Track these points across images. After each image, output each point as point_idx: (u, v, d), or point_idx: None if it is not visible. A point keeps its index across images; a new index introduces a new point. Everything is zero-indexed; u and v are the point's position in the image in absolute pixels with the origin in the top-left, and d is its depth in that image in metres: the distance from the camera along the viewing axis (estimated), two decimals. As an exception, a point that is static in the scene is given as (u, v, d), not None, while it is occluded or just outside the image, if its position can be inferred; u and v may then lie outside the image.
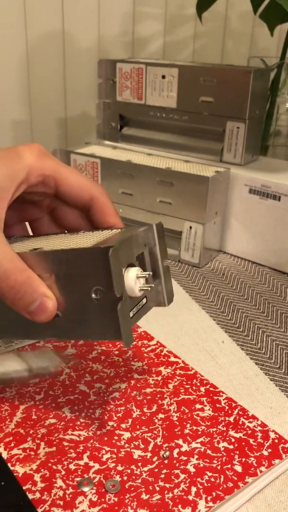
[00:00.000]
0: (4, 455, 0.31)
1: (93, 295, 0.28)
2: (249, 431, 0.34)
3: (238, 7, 0.99)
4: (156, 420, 0.34)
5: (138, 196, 0.60)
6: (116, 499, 0.28)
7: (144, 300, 0.33)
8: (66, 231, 0.37)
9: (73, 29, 0.84)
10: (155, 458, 0.31)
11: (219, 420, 0.34)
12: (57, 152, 0.65)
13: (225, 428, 0.34)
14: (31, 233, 0.38)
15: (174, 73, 0.63)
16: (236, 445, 0.32)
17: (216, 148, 0.64)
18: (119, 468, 0.30)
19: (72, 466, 0.30)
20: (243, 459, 0.31)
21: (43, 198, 0.35)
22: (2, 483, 0.29)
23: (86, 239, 0.31)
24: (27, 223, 0.38)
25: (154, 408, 0.35)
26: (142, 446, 0.32)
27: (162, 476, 0.30)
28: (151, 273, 0.32)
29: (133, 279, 0.30)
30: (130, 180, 0.60)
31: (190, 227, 0.58)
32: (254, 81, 0.58)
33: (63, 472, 0.30)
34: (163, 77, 0.64)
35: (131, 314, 0.30)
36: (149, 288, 0.30)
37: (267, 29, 0.77)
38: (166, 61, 0.67)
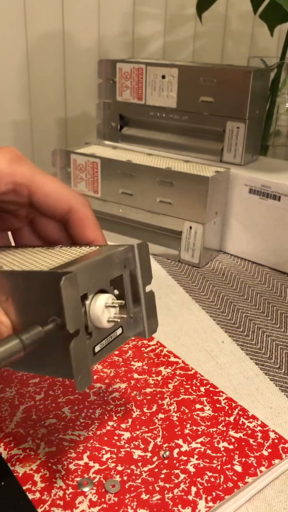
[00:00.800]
0: (4, 455, 0.31)
1: (50, 325, 0.24)
2: (249, 431, 0.34)
3: (238, 7, 0.99)
4: (156, 420, 0.34)
5: (138, 196, 0.60)
6: (116, 499, 0.28)
7: (119, 331, 0.29)
8: (45, 245, 0.34)
9: (73, 29, 0.84)
10: (155, 458, 0.31)
11: (219, 420, 0.34)
12: (57, 152, 0.65)
13: (225, 428, 0.34)
14: (13, 243, 0.35)
15: (174, 73, 0.63)
16: (236, 445, 0.32)
17: (216, 148, 0.64)
18: (119, 468, 0.30)
19: (72, 466, 0.30)
20: (243, 459, 0.31)
21: (18, 208, 0.32)
22: (2, 483, 0.29)
23: (56, 258, 0.28)
24: (9, 232, 0.35)
25: (154, 408, 0.35)
26: (142, 446, 0.32)
27: (162, 476, 0.30)
28: (123, 302, 0.28)
29: (101, 308, 0.26)
30: (130, 180, 0.60)
31: (190, 227, 0.58)
32: (254, 81, 0.59)
33: (63, 472, 0.30)
34: (163, 77, 0.64)
35: (97, 348, 0.27)
36: (119, 320, 0.27)
37: (267, 29, 0.77)
38: (166, 61, 0.67)
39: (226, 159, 0.63)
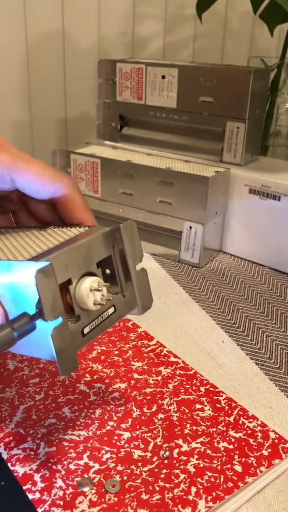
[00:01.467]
0: (4, 455, 0.31)
1: (35, 313, 0.25)
2: (249, 431, 0.34)
3: (238, 7, 0.99)
4: (156, 420, 0.34)
5: (138, 196, 0.60)
6: (116, 499, 0.28)
7: (112, 310, 0.29)
8: (40, 226, 0.34)
9: (73, 29, 0.84)
10: (155, 458, 0.31)
11: (219, 420, 0.34)
12: (57, 152, 0.65)
13: (225, 428, 0.34)
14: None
15: (174, 73, 0.63)
16: (236, 445, 0.32)
17: (216, 148, 0.64)
18: (119, 468, 0.30)
19: (72, 466, 0.30)
20: (243, 459, 0.31)
21: (9, 193, 0.33)
22: (2, 483, 0.29)
23: (42, 243, 0.29)
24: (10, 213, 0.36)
25: (154, 408, 0.35)
26: (142, 446, 0.32)
27: (162, 476, 0.30)
28: (108, 284, 0.28)
29: (86, 292, 0.27)
30: (130, 180, 0.60)
31: (190, 227, 0.58)
32: (254, 81, 0.59)
33: (63, 472, 0.30)
34: (163, 77, 0.64)
35: (86, 330, 0.27)
36: (105, 303, 0.27)
37: (267, 29, 0.78)
38: (166, 61, 0.67)
39: (226, 159, 0.63)
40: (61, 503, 0.28)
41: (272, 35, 0.78)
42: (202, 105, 0.63)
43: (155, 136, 0.69)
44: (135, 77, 0.66)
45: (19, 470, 0.30)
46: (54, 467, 0.30)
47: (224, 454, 0.32)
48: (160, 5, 0.92)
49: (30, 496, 0.29)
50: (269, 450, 0.32)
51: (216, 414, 0.35)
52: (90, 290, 0.27)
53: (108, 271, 0.30)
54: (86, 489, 0.29)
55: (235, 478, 0.30)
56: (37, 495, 0.29)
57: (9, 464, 0.30)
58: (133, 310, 0.31)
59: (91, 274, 0.28)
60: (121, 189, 0.61)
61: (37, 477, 0.30)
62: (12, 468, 0.30)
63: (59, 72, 0.86)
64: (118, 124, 0.71)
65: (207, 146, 0.65)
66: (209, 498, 0.29)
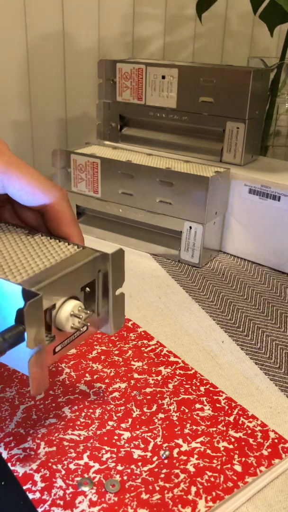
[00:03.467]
0: (4, 455, 0.31)
1: (20, 328, 0.26)
2: (249, 431, 0.34)
3: (238, 8, 0.99)
4: (156, 420, 0.34)
5: (138, 196, 0.60)
6: (116, 499, 0.28)
7: (84, 328, 0.31)
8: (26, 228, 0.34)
9: (73, 30, 0.84)
10: (155, 458, 0.31)
11: (219, 420, 0.34)
12: (57, 152, 0.65)
13: (225, 428, 0.34)
14: None
15: (174, 74, 0.63)
16: (236, 444, 0.32)
17: (216, 148, 0.64)
18: (119, 467, 0.30)
19: (72, 466, 0.30)
20: (243, 459, 0.31)
21: None
22: (2, 483, 0.29)
23: (34, 257, 0.29)
24: None
25: (154, 407, 0.35)
26: (142, 445, 0.32)
27: (162, 475, 0.30)
28: (89, 312, 0.29)
29: (67, 315, 0.28)
30: (130, 180, 0.60)
31: (190, 227, 0.58)
32: (254, 81, 0.59)
33: (63, 472, 0.30)
34: (163, 77, 0.64)
35: (58, 348, 0.29)
36: (81, 327, 0.29)
37: (267, 29, 0.78)
38: (166, 61, 0.67)
39: (226, 159, 0.63)
40: (61, 502, 0.28)
41: (272, 35, 0.78)
42: (202, 105, 0.63)
43: (155, 136, 0.69)
44: (135, 77, 0.66)
45: (19, 470, 0.30)
46: (54, 467, 0.30)
47: (224, 454, 0.32)
48: (160, 5, 0.92)
49: (30, 495, 0.29)
50: (269, 450, 0.32)
51: (216, 413, 0.35)
52: (70, 315, 0.28)
53: (88, 289, 0.30)
54: (86, 488, 0.29)
55: (235, 478, 0.30)
56: (37, 494, 0.29)
57: (9, 464, 0.30)
58: (104, 328, 0.32)
59: (73, 297, 0.29)
60: (121, 189, 0.61)
61: (37, 477, 0.30)
62: (12, 468, 0.30)
63: (59, 72, 0.86)
64: (118, 124, 0.71)
65: (207, 146, 0.65)
66: (209, 497, 0.29)
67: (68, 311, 0.28)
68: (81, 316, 0.28)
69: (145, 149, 0.69)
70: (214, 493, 0.29)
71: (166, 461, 0.31)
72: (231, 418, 0.35)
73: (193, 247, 0.58)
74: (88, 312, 0.29)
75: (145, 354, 0.41)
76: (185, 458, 0.31)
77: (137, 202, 0.61)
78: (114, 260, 0.30)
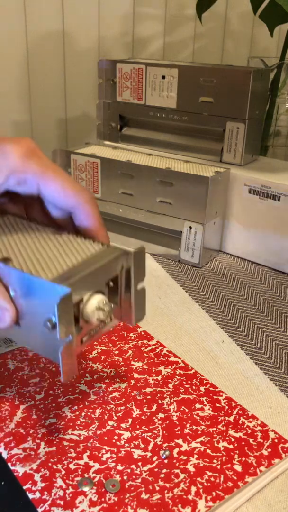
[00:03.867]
0: (4, 454, 0.31)
1: (47, 323, 0.28)
2: (249, 431, 0.34)
3: (238, 8, 0.99)
4: (156, 420, 0.34)
5: (138, 196, 0.60)
6: (116, 499, 0.28)
7: (108, 320, 0.32)
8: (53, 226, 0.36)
9: (73, 30, 0.84)
10: (155, 458, 0.31)
11: (219, 420, 0.34)
12: (57, 153, 0.65)
13: (225, 428, 0.34)
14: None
15: (174, 74, 0.63)
16: (236, 444, 0.32)
17: (216, 148, 0.64)
18: (119, 467, 0.30)
19: (72, 466, 0.30)
20: (243, 459, 0.31)
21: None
22: (2, 483, 0.29)
23: (63, 254, 0.31)
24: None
25: (154, 407, 0.35)
26: (142, 445, 0.32)
27: (162, 475, 0.30)
28: (113, 305, 0.32)
29: (93, 308, 0.30)
30: (130, 180, 0.60)
31: (190, 227, 0.58)
32: (254, 81, 0.59)
33: (63, 472, 0.30)
34: (163, 77, 0.64)
35: (85, 339, 0.31)
36: (106, 320, 0.31)
37: (267, 29, 0.78)
38: (166, 61, 0.67)
39: (226, 159, 0.63)
40: (61, 502, 0.28)
41: (272, 36, 0.78)
42: (202, 105, 0.63)
43: (155, 136, 0.69)
44: (135, 77, 0.66)
45: (19, 469, 0.30)
46: (54, 466, 0.30)
47: (224, 453, 0.32)
48: (160, 5, 0.92)
49: (30, 495, 0.29)
50: (269, 449, 0.32)
51: (216, 413, 0.35)
52: (96, 308, 0.30)
53: (111, 283, 0.32)
54: (86, 488, 0.29)
55: (235, 478, 0.30)
56: (37, 494, 0.29)
57: (9, 464, 0.30)
58: (127, 320, 0.34)
59: (99, 291, 0.31)
60: (121, 189, 0.61)
61: (37, 477, 0.30)
62: (12, 467, 0.30)
63: (59, 72, 0.86)
64: (118, 124, 0.71)
65: (207, 146, 0.65)
66: (209, 497, 0.29)
67: (94, 304, 0.30)
68: (105, 309, 0.30)
69: (145, 149, 0.69)
70: (214, 493, 0.29)
71: (166, 461, 0.31)
72: (231, 418, 0.35)
73: (193, 247, 0.58)
74: (112, 305, 0.31)
75: (145, 354, 0.41)
76: (185, 458, 0.31)
77: (137, 202, 0.61)
78: (136, 257, 0.32)
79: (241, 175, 0.59)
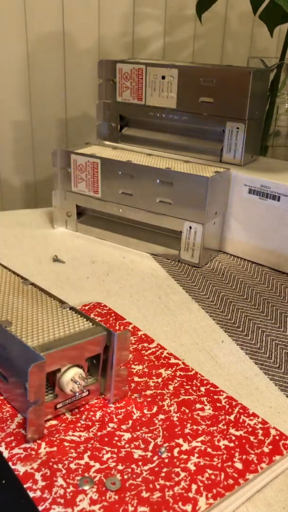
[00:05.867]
0: (5, 454, 0.31)
1: (25, 384, 0.32)
2: (250, 429, 0.34)
3: (237, 8, 0.99)
4: (156, 421, 0.34)
5: (138, 196, 0.60)
6: (116, 497, 0.29)
7: (86, 393, 0.35)
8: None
9: (73, 30, 0.84)
10: (155, 458, 0.31)
11: (220, 419, 0.35)
12: (57, 153, 0.65)
13: (225, 427, 0.34)
14: None
15: (174, 74, 0.63)
16: (236, 443, 0.33)
17: (216, 148, 0.64)
18: (120, 467, 0.31)
19: (72, 465, 0.31)
20: (244, 457, 0.32)
21: None
22: (3, 481, 0.30)
23: (52, 325, 0.35)
24: None
25: (155, 409, 0.35)
26: (142, 446, 0.32)
27: (163, 474, 0.30)
28: (88, 381, 0.35)
29: (68, 380, 0.33)
30: (130, 180, 0.60)
31: (190, 227, 0.58)
32: (254, 81, 0.59)
33: (64, 471, 0.30)
34: (163, 77, 0.64)
35: (59, 406, 0.34)
36: (79, 392, 0.34)
37: (266, 29, 0.78)
38: (166, 61, 0.67)
39: (225, 159, 0.63)
40: (62, 501, 0.28)
41: (272, 36, 0.78)
42: (202, 105, 0.63)
43: (155, 136, 0.69)
44: (135, 78, 0.66)
45: (20, 468, 0.30)
46: (55, 466, 0.30)
47: (225, 452, 0.32)
48: (160, 6, 0.92)
49: (31, 494, 0.29)
50: (270, 446, 0.32)
51: (217, 413, 0.35)
52: (70, 380, 0.33)
53: (94, 361, 0.35)
54: (86, 487, 0.29)
55: (236, 475, 0.30)
56: (38, 493, 0.29)
57: (10, 463, 0.31)
58: (107, 395, 0.36)
59: (78, 365, 0.34)
60: (121, 189, 0.61)
61: (38, 476, 0.30)
62: (13, 467, 0.30)
63: (59, 72, 0.86)
64: (118, 125, 0.71)
65: (207, 146, 0.65)
66: (209, 495, 0.29)
67: (69, 376, 0.33)
68: (80, 383, 0.33)
69: (145, 149, 0.69)
70: (214, 491, 0.29)
71: (166, 460, 0.31)
72: (232, 417, 0.35)
73: (193, 247, 0.58)
74: (88, 380, 0.35)
75: (145, 357, 0.41)
76: (185, 457, 0.31)
77: (137, 202, 0.61)
78: (120, 340, 0.34)
79: (241, 175, 0.59)
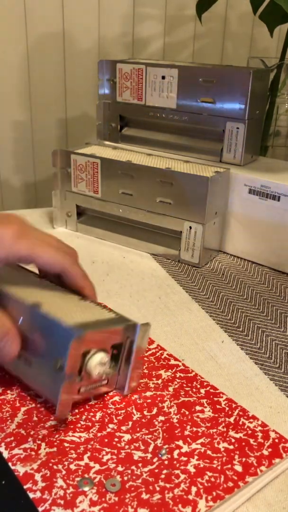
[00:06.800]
0: (5, 454, 0.31)
1: (57, 363, 0.32)
2: (249, 431, 0.34)
3: (237, 8, 0.99)
4: (156, 423, 0.34)
5: (138, 196, 0.60)
6: (116, 499, 0.29)
7: (105, 381, 0.36)
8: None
9: (73, 30, 0.84)
10: (155, 459, 0.31)
11: (219, 421, 0.35)
12: (57, 153, 0.65)
13: (225, 429, 0.34)
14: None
15: (174, 74, 0.63)
16: (236, 445, 0.33)
17: (216, 148, 0.64)
18: (120, 468, 0.31)
19: (72, 466, 0.31)
20: (244, 459, 0.32)
21: None
22: (3, 482, 0.30)
23: (79, 311, 0.36)
24: None
25: (154, 411, 0.35)
26: (142, 447, 0.32)
27: (163, 476, 0.30)
28: (113, 364, 0.36)
29: (96, 363, 0.34)
30: (130, 180, 0.60)
31: (190, 227, 0.58)
32: (254, 81, 0.59)
33: (64, 472, 0.30)
34: (163, 77, 0.64)
35: (82, 389, 0.34)
36: (104, 376, 0.35)
37: (266, 29, 0.78)
38: (166, 61, 0.67)
39: (225, 160, 0.63)
40: (62, 502, 0.28)
41: (272, 36, 0.78)
42: (202, 105, 0.63)
43: (155, 136, 0.69)
44: (135, 78, 0.66)
45: (20, 469, 0.30)
46: (54, 467, 0.30)
47: (225, 454, 0.32)
48: (160, 6, 0.92)
49: (31, 495, 0.29)
50: (270, 449, 0.32)
51: (216, 415, 0.35)
52: (98, 364, 0.34)
53: (115, 351, 0.36)
54: (86, 488, 0.29)
55: (235, 478, 0.30)
56: (38, 494, 0.29)
57: (9, 464, 0.31)
58: (120, 389, 0.37)
59: (104, 350, 0.35)
60: (121, 189, 0.61)
61: (37, 477, 0.30)
62: (13, 467, 0.30)
63: (59, 72, 0.86)
64: (118, 125, 0.71)
65: (206, 147, 0.65)
66: (209, 497, 0.29)
67: (98, 359, 0.34)
68: (106, 367, 0.34)
69: (145, 149, 0.69)
70: (214, 493, 0.29)
71: (166, 462, 0.31)
72: (232, 419, 0.35)
73: (193, 247, 0.58)
74: (113, 364, 0.36)
75: (145, 358, 0.41)
76: (185, 459, 0.31)
77: (137, 202, 0.61)
78: (142, 331, 0.36)
79: (241, 175, 0.59)
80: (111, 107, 0.71)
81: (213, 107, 0.62)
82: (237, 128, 0.61)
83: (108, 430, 0.34)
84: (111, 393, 0.37)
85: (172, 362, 0.41)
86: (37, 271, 0.42)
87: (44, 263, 0.37)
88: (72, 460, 0.31)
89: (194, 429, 0.34)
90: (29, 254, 0.37)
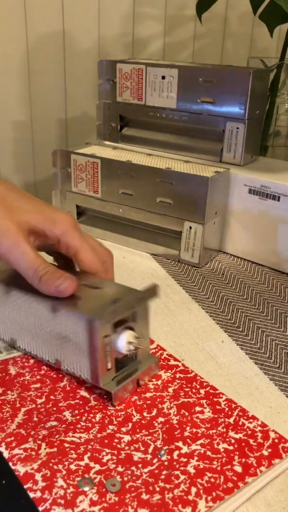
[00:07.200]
0: (6, 454, 0.31)
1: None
2: (249, 432, 0.34)
3: (237, 8, 0.99)
4: (156, 424, 0.34)
5: (138, 196, 0.60)
6: (116, 499, 0.29)
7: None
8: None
9: (74, 30, 0.84)
10: (155, 460, 0.31)
11: (219, 422, 0.35)
12: (57, 153, 0.65)
13: (225, 430, 0.34)
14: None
15: (174, 74, 0.63)
16: (236, 446, 0.33)
17: (216, 148, 0.64)
18: (120, 469, 0.31)
19: (73, 467, 0.31)
20: (243, 460, 0.32)
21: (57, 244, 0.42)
22: (3, 482, 0.30)
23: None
24: None
25: (154, 412, 0.35)
26: (142, 448, 0.32)
27: (162, 477, 0.30)
28: (140, 346, 0.38)
29: (124, 342, 0.36)
30: (130, 180, 0.60)
31: (190, 227, 0.58)
32: (254, 81, 0.59)
33: (64, 472, 0.30)
34: (163, 77, 0.64)
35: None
36: (130, 352, 0.37)
37: (266, 29, 0.78)
38: (166, 61, 0.67)
39: (225, 160, 0.63)
40: (62, 502, 0.28)
41: (272, 36, 0.78)
42: (202, 105, 0.63)
43: (155, 136, 0.69)
44: (135, 78, 0.66)
45: (20, 469, 0.30)
46: (55, 467, 0.31)
47: (224, 455, 0.32)
48: (160, 6, 0.92)
49: (31, 494, 0.29)
50: (269, 450, 0.32)
51: (216, 416, 0.35)
52: (127, 342, 0.36)
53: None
54: (86, 488, 0.29)
55: (235, 479, 0.30)
56: (38, 494, 0.29)
57: (10, 463, 0.31)
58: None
59: (130, 328, 0.37)
60: (121, 189, 0.61)
61: (38, 476, 0.30)
62: (13, 467, 0.30)
63: (59, 72, 0.86)
64: (118, 125, 0.71)
65: (206, 146, 0.65)
66: (209, 498, 0.29)
67: (126, 338, 0.36)
68: (134, 344, 0.37)
69: (145, 149, 0.69)
70: (214, 494, 0.29)
71: (166, 462, 0.31)
72: (231, 420, 0.35)
73: (193, 247, 0.58)
74: (140, 346, 0.37)
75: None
76: (185, 460, 0.31)
77: (137, 202, 0.61)
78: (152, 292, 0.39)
79: (241, 175, 0.59)
80: (111, 107, 0.71)
81: (213, 107, 0.62)
82: (237, 128, 0.61)
83: (108, 431, 0.34)
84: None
85: (172, 362, 0.41)
86: None
87: (82, 261, 0.41)
88: (72, 460, 0.31)
89: (194, 430, 0.34)
90: (75, 249, 0.40)
